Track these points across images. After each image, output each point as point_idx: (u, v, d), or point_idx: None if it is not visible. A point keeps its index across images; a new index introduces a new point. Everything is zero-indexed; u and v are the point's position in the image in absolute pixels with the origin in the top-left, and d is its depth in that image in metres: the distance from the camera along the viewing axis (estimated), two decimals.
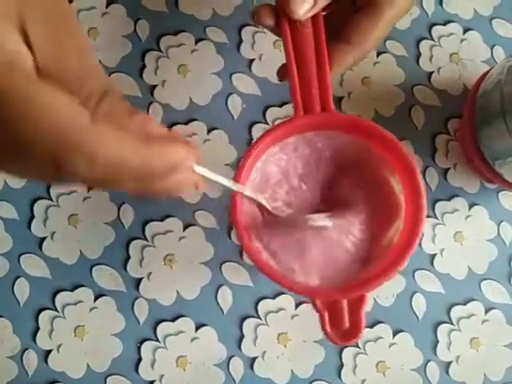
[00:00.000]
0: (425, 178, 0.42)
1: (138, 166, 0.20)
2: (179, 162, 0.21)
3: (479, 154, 0.39)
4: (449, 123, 0.43)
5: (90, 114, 0.19)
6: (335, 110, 0.31)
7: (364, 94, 0.43)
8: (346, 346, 0.40)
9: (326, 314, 0.29)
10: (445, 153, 0.42)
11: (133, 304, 0.40)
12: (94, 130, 0.18)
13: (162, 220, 0.41)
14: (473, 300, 0.41)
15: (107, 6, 0.43)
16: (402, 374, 0.40)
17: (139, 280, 0.40)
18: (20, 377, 0.39)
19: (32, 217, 0.41)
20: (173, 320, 0.40)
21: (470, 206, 0.42)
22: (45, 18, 0.21)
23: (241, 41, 0.43)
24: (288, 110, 0.42)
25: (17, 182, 0.41)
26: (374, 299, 0.40)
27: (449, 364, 0.40)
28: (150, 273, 0.40)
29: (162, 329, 0.40)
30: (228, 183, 0.27)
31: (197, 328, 0.40)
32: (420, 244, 0.41)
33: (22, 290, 0.40)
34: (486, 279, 0.41)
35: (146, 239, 0.40)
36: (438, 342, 0.40)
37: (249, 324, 0.40)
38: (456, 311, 0.40)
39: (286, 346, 0.40)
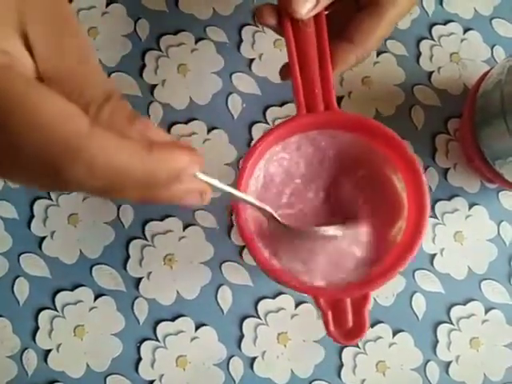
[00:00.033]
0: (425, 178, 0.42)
1: (139, 174, 0.19)
2: (182, 170, 0.20)
3: (479, 153, 0.39)
4: (449, 123, 0.43)
5: (90, 119, 0.18)
6: (338, 108, 0.31)
7: (364, 94, 0.43)
8: (346, 346, 0.40)
9: (330, 313, 0.29)
10: (445, 153, 0.42)
11: (133, 304, 0.40)
12: (93, 136, 0.18)
13: (161, 220, 0.41)
14: (473, 300, 0.41)
15: (107, 5, 0.43)
16: (402, 374, 0.40)
17: (139, 280, 0.40)
18: (20, 376, 0.39)
19: (32, 216, 0.41)
20: (173, 320, 0.40)
21: (470, 206, 0.42)
22: (45, 21, 0.20)
23: (241, 40, 0.43)
24: (288, 109, 0.42)
25: None
26: (374, 299, 0.40)
27: (449, 364, 0.40)
28: (150, 272, 0.40)
29: (162, 328, 0.40)
30: (234, 192, 0.26)
31: (197, 328, 0.40)
32: (420, 245, 0.41)
33: (22, 289, 0.40)
34: (485, 279, 0.41)
35: (145, 239, 0.40)
36: (437, 341, 0.40)
37: (249, 324, 0.40)
38: (456, 311, 0.40)
39: (285, 346, 0.40)
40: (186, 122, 0.42)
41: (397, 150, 0.31)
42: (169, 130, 0.42)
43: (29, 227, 0.40)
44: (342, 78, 0.42)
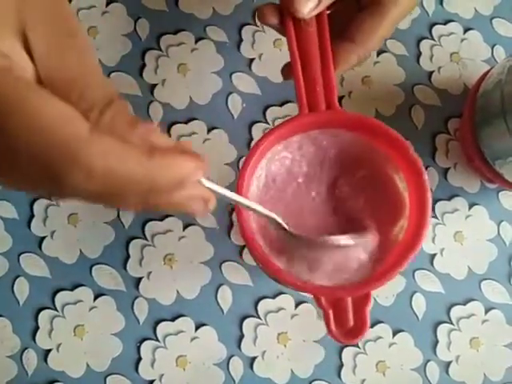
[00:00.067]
0: None
1: (140, 180, 0.18)
2: (186, 176, 0.20)
3: (479, 153, 0.39)
4: (449, 123, 0.42)
5: (90, 123, 0.18)
6: (340, 108, 0.31)
7: (364, 94, 0.43)
8: (346, 346, 0.40)
9: (331, 312, 0.29)
10: (445, 152, 0.42)
11: (132, 303, 0.40)
12: (93, 140, 0.17)
13: (161, 219, 0.41)
14: (473, 300, 0.41)
15: (107, 4, 0.43)
16: (402, 374, 0.40)
17: (139, 279, 0.40)
18: (20, 376, 0.39)
19: (32, 216, 0.40)
20: (173, 319, 0.40)
21: (470, 206, 0.42)
22: (45, 22, 0.20)
23: (241, 40, 0.43)
24: (288, 109, 0.42)
25: None
26: (374, 299, 0.40)
27: (449, 364, 0.40)
28: (150, 272, 0.40)
29: (162, 328, 0.40)
30: (240, 199, 0.25)
31: (197, 327, 0.40)
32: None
33: (22, 289, 0.40)
34: (485, 279, 0.41)
35: (145, 239, 0.40)
36: (437, 341, 0.40)
37: (249, 324, 0.40)
38: (456, 311, 0.40)
39: (285, 346, 0.40)
40: (186, 122, 0.42)
41: (398, 149, 0.31)
42: (169, 130, 0.42)
43: (29, 227, 0.40)
44: (342, 77, 0.42)
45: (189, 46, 0.43)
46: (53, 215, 0.40)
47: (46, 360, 0.39)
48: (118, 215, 0.41)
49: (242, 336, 0.40)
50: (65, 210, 0.41)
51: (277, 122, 0.42)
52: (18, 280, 0.40)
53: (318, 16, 0.31)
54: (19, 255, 0.40)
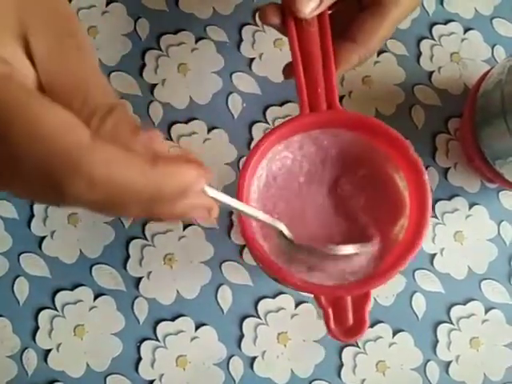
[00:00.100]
0: None
1: (142, 189, 0.18)
2: (189, 185, 0.19)
3: (480, 153, 0.39)
4: (449, 123, 0.42)
5: (91, 132, 0.18)
6: (341, 107, 0.31)
7: (364, 93, 0.43)
8: (346, 345, 0.40)
9: (331, 311, 0.29)
10: (445, 152, 0.42)
11: (132, 303, 0.40)
12: (94, 148, 0.17)
13: None
14: (473, 300, 0.41)
15: (107, 4, 0.43)
16: (402, 374, 0.40)
17: (139, 279, 0.40)
18: (20, 376, 0.39)
19: (32, 216, 0.40)
20: (173, 319, 0.40)
21: (471, 206, 0.42)
22: (47, 28, 0.20)
23: (241, 40, 0.43)
24: (288, 109, 0.42)
25: None
26: (374, 299, 0.40)
27: (449, 364, 0.40)
28: (150, 272, 0.40)
29: (162, 328, 0.40)
30: (244, 207, 0.25)
31: (197, 327, 0.40)
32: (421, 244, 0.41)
33: (22, 289, 0.40)
34: (486, 279, 0.41)
35: (145, 238, 0.40)
36: (437, 341, 0.40)
37: (249, 323, 0.40)
38: (456, 311, 0.40)
39: (285, 346, 0.40)
40: (186, 122, 0.42)
41: (399, 149, 0.32)
42: (169, 130, 0.42)
43: (29, 227, 0.40)
44: (342, 77, 0.42)
45: (189, 45, 0.43)
46: (53, 215, 0.40)
47: (46, 360, 0.39)
48: None
49: (242, 336, 0.40)
50: (65, 210, 0.40)
51: (277, 122, 0.42)
52: (17, 280, 0.40)
53: (320, 16, 0.31)
54: (19, 255, 0.40)
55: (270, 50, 0.43)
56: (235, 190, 0.30)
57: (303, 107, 0.31)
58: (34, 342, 0.39)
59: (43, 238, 0.40)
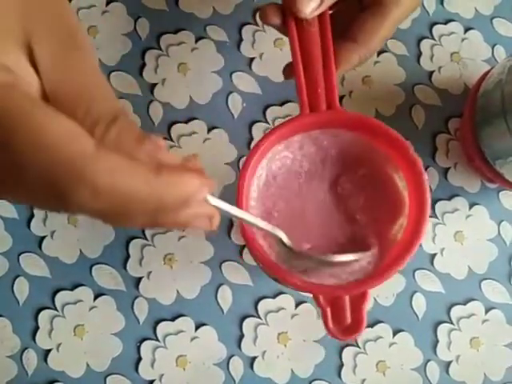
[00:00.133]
0: None
1: (146, 198, 0.18)
2: (192, 195, 0.19)
3: (480, 153, 0.39)
4: (449, 122, 0.42)
5: (96, 141, 0.18)
6: (341, 108, 0.31)
7: (365, 93, 0.43)
8: (347, 345, 0.40)
9: (329, 310, 0.29)
10: (445, 152, 0.42)
11: (132, 303, 0.40)
12: (99, 157, 0.17)
13: None
14: (473, 300, 0.41)
15: (107, 4, 0.43)
16: (402, 374, 0.40)
17: (139, 279, 0.40)
18: (20, 376, 0.39)
19: (32, 216, 0.40)
20: (173, 319, 0.40)
21: (471, 206, 0.42)
22: (51, 36, 0.20)
23: (241, 39, 0.43)
24: (289, 108, 0.42)
25: None
26: (374, 299, 0.40)
27: (449, 364, 0.40)
28: (150, 272, 0.40)
29: (162, 328, 0.40)
30: (245, 216, 0.25)
31: (197, 327, 0.40)
32: (420, 243, 0.41)
33: (22, 289, 0.40)
34: (486, 279, 0.41)
35: (145, 238, 0.40)
36: (438, 341, 0.40)
37: (249, 323, 0.40)
38: (456, 311, 0.40)
39: (285, 346, 0.40)
40: (186, 122, 0.42)
41: (398, 149, 0.32)
42: (169, 130, 0.42)
43: (29, 227, 0.40)
44: (342, 77, 0.42)
45: (189, 45, 0.43)
46: (53, 215, 0.40)
47: (46, 360, 0.39)
48: None
49: (242, 336, 0.40)
50: None
51: (277, 122, 0.42)
52: (17, 280, 0.40)
53: (320, 16, 0.31)
54: (19, 255, 0.40)
55: (270, 50, 0.43)
56: (235, 189, 0.30)
57: (303, 107, 0.31)
58: (34, 342, 0.39)
59: (43, 237, 0.40)
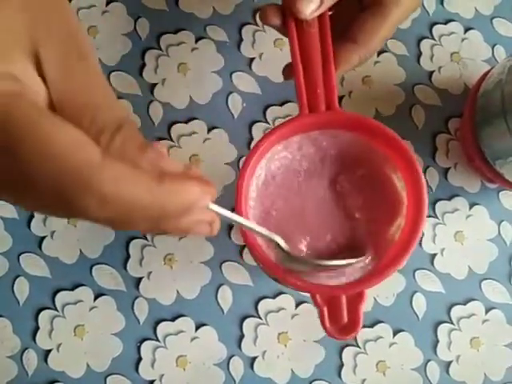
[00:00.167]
0: (425, 178, 0.41)
1: (150, 206, 0.19)
2: (193, 202, 0.20)
3: (480, 153, 0.39)
4: (449, 122, 0.42)
5: (102, 150, 0.18)
6: (340, 108, 0.31)
7: (365, 93, 0.43)
8: (347, 345, 0.40)
9: (326, 309, 0.30)
10: (445, 152, 0.42)
11: (133, 303, 0.40)
12: (105, 167, 0.18)
13: None
14: (473, 300, 0.41)
15: (107, 4, 0.43)
16: (402, 374, 0.40)
17: (139, 279, 0.40)
18: (20, 376, 0.39)
19: (32, 216, 0.40)
20: (173, 319, 0.40)
21: (471, 206, 0.42)
22: (59, 46, 0.20)
23: (241, 39, 0.43)
24: (289, 108, 0.42)
25: None
26: (375, 299, 0.40)
27: (449, 364, 0.40)
28: (150, 272, 0.40)
29: (162, 328, 0.40)
30: (244, 222, 0.26)
31: (197, 327, 0.40)
32: (420, 244, 0.41)
33: (22, 289, 0.40)
34: (486, 279, 0.41)
35: (145, 238, 0.40)
36: (438, 341, 0.40)
37: (249, 323, 0.40)
38: (456, 311, 0.40)
39: (286, 346, 0.40)
40: (186, 122, 0.42)
41: (396, 149, 0.32)
42: (169, 130, 0.42)
43: (29, 227, 0.40)
44: (342, 77, 0.42)
45: (189, 45, 0.43)
46: None
47: (46, 360, 0.39)
48: None
49: (242, 336, 0.40)
50: None
51: (277, 122, 0.42)
52: (18, 280, 0.40)
53: (320, 17, 0.31)
54: (19, 255, 0.40)
55: (270, 50, 0.43)
56: (235, 189, 0.30)
57: (302, 108, 0.31)
58: (35, 342, 0.39)
59: (43, 238, 0.40)
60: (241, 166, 0.31)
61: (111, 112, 0.20)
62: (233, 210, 0.30)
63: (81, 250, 0.40)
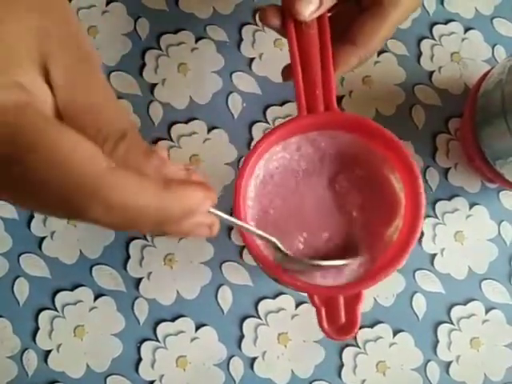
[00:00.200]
0: (425, 178, 0.42)
1: (155, 212, 0.19)
2: (196, 207, 0.20)
3: (480, 153, 0.39)
4: (449, 123, 0.42)
5: (107, 158, 0.18)
6: (338, 109, 0.31)
7: (365, 93, 0.43)
8: (347, 346, 0.40)
9: (323, 310, 0.30)
10: (445, 152, 0.42)
11: (133, 304, 0.40)
12: (111, 175, 0.18)
13: None
14: (473, 300, 0.41)
15: (107, 4, 0.43)
16: (402, 374, 0.40)
17: (139, 280, 0.40)
18: (20, 377, 0.39)
19: (32, 216, 0.40)
20: (173, 320, 0.40)
21: (471, 206, 0.42)
22: (68, 59, 0.20)
23: (241, 39, 0.43)
24: (289, 108, 0.42)
25: None
26: (375, 299, 0.40)
27: (449, 364, 0.40)
28: (150, 272, 0.40)
29: (162, 329, 0.40)
30: (244, 225, 0.27)
31: (197, 328, 0.40)
32: (420, 244, 0.41)
33: (22, 289, 0.40)
34: (486, 279, 0.41)
35: (145, 239, 0.40)
36: (438, 341, 0.40)
37: (249, 324, 0.40)
38: (456, 311, 0.40)
39: (286, 346, 0.40)
40: (186, 122, 0.42)
41: (394, 150, 0.32)
42: (169, 130, 0.42)
43: (29, 227, 0.40)
44: (342, 77, 0.42)
45: (189, 45, 0.43)
46: None
47: (46, 360, 0.39)
48: None
49: (242, 336, 0.40)
50: None
51: (277, 122, 0.42)
52: (17, 280, 0.40)
53: (319, 18, 0.31)
54: (19, 255, 0.40)
55: (270, 50, 0.43)
56: (233, 189, 0.30)
57: (301, 109, 0.31)
58: (35, 342, 0.39)
59: (43, 238, 0.40)
60: (240, 166, 0.31)
61: (116, 120, 0.20)
62: (232, 210, 0.30)
63: (81, 251, 0.40)
